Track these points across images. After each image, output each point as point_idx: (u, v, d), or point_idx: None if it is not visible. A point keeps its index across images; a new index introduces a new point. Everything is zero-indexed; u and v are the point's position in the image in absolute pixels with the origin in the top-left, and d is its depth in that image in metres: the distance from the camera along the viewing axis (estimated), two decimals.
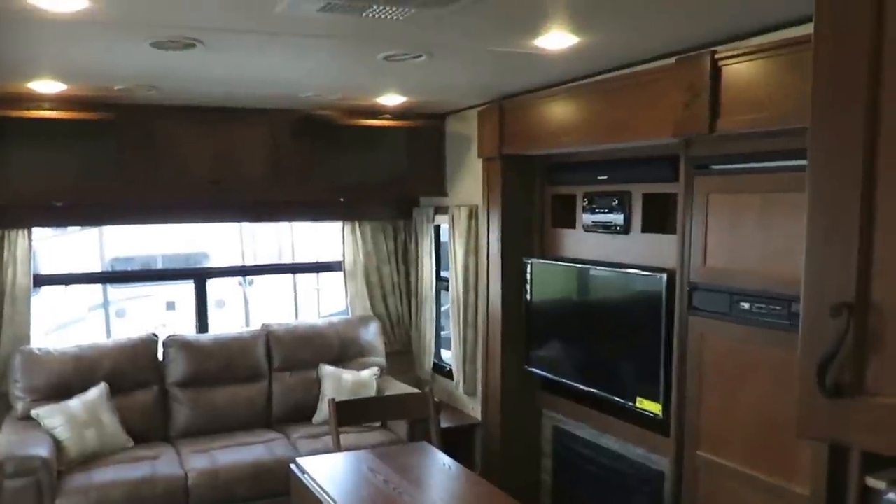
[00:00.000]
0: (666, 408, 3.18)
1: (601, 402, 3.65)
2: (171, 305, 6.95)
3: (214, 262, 6.22)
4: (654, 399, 3.23)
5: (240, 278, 6.84)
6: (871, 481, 2.47)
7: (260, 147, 4.28)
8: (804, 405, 1.66)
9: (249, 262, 7.06)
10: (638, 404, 3.33)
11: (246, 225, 6.62)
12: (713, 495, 2.94)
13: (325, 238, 5.64)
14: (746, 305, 2.81)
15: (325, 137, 4.40)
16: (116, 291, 7.04)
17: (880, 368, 1.18)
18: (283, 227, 6.77)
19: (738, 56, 2.63)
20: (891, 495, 2.38)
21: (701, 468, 2.99)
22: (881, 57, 1.13)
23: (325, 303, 6.19)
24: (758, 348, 2.76)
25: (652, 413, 3.25)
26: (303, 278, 6.68)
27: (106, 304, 7.05)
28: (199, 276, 4.83)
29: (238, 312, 7.01)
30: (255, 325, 4.64)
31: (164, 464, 3.75)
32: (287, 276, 6.73)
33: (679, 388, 3.08)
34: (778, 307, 2.69)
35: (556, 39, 2.70)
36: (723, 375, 2.90)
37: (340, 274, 5.00)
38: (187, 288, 4.90)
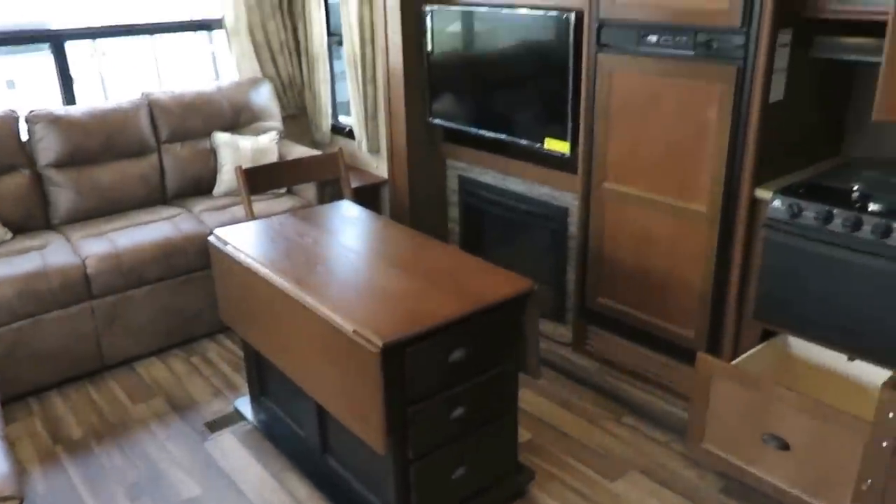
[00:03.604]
0: (574, 146, 3.31)
1: (507, 147, 3.74)
2: (10, 84, 6.17)
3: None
4: (563, 138, 3.34)
5: (91, 48, 6.11)
6: (760, 192, 2.76)
7: None
8: (888, 88, 1.83)
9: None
10: (546, 145, 3.43)
11: None
12: (619, 221, 3.18)
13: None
14: (654, 38, 2.85)
15: None
16: None
17: None
18: None
19: None
20: (776, 202, 2.67)
21: (607, 198, 3.20)
22: None
23: (198, 70, 5.68)
24: (664, 79, 2.85)
25: (560, 152, 3.38)
26: (167, 44, 6.06)
27: None
28: (56, 39, 4.18)
29: (93, 89, 6.35)
30: (134, 95, 4.18)
31: (53, 253, 3.42)
32: (148, 45, 6.10)
33: (587, 125, 3.19)
34: (684, 37, 2.75)
35: None
36: (630, 110, 3.01)
37: (214, 35, 4.60)
38: (29, 61, 4.23)
